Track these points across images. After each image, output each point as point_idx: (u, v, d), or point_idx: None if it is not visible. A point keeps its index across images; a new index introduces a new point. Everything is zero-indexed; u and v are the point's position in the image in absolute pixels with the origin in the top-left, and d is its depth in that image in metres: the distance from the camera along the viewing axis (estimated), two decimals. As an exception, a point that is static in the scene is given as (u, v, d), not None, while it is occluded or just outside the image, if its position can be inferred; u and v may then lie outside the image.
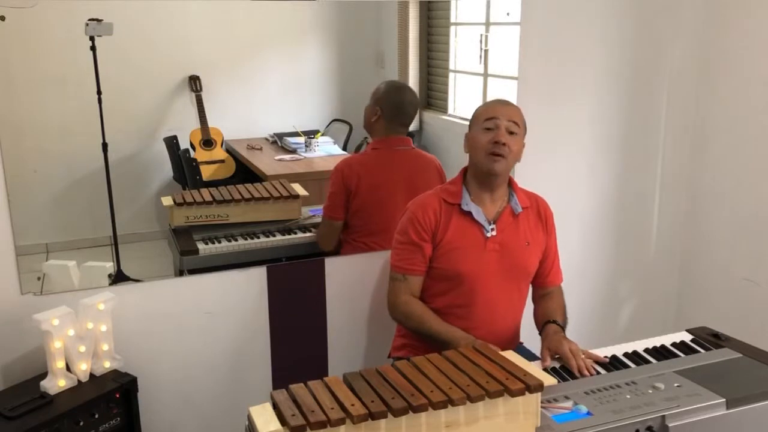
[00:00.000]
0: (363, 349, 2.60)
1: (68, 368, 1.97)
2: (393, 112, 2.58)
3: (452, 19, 2.94)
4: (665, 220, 3.01)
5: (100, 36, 2.31)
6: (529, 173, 2.41)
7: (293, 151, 2.87)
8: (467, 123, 2.14)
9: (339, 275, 2.49)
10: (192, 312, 2.31)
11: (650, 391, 1.67)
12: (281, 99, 2.83)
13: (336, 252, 2.60)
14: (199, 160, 2.67)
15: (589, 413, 1.58)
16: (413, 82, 2.94)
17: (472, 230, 2.08)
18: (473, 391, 1.48)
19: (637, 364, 1.85)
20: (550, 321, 2.08)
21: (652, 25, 2.78)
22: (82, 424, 1.90)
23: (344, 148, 2.88)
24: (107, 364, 2.04)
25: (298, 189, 2.67)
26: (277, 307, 2.42)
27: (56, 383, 1.93)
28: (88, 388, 1.97)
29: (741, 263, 2.78)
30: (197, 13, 2.58)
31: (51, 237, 2.43)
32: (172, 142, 2.62)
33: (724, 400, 1.62)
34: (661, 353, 1.92)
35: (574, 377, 1.81)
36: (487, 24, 2.88)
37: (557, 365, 1.89)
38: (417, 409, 1.43)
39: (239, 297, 2.37)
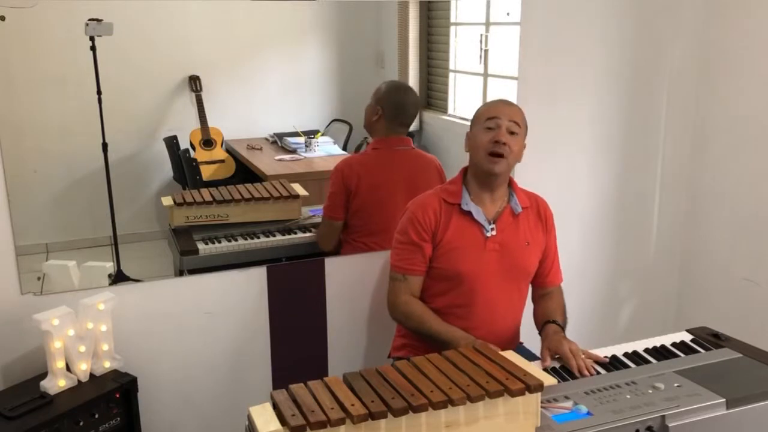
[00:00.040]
0: (363, 349, 2.60)
1: (68, 368, 1.96)
2: (394, 112, 2.57)
3: (452, 19, 2.94)
4: (665, 220, 3.01)
5: (100, 36, 2.31)
6: (529, 173, 2.41)
7: (293, 151, 2.86)
8: (467, 123, 2.14)
9: (339, 275, 2.48)
10: (192, 312, 2.31)
11: (650, 391, 1.67)
12: (281, 99, 2.83)
13: (336, 252, 2.60)
14: (199, 160, 2.67)
15: (589, 413, 1.58)
16: (413, 82, 2.94)
17: (472, 230, 2.08)
18: (473, 391, 1.48)
19: (637, 364, 1.85)
20: (549, 321, 2.08)
21: (652, 25, 2.78)
22: (82, 424, 1.90)
23: (344, 148, 2.88)
24: (107, 364, 2.04)
25: (298, 189, 2.67)
26: (277, 307, 2.42)
27: (56, 383, 1.93)
28: (88, 388, 1.97)
29: (741, 263, 2.78)
30: (197, 13, 2.58)
31: (51, 237, 2.43)
32: (172, 142, 2.62)
33: (724, 400, 1.62)
34: (661, 353, 1.92)
35: (574, 377, 1.81)
36: (487, 24, 2.88)
37: (557, 365, 1.89)
38: (417, 409, 1.43)
39: (239, 297, 2.37)
